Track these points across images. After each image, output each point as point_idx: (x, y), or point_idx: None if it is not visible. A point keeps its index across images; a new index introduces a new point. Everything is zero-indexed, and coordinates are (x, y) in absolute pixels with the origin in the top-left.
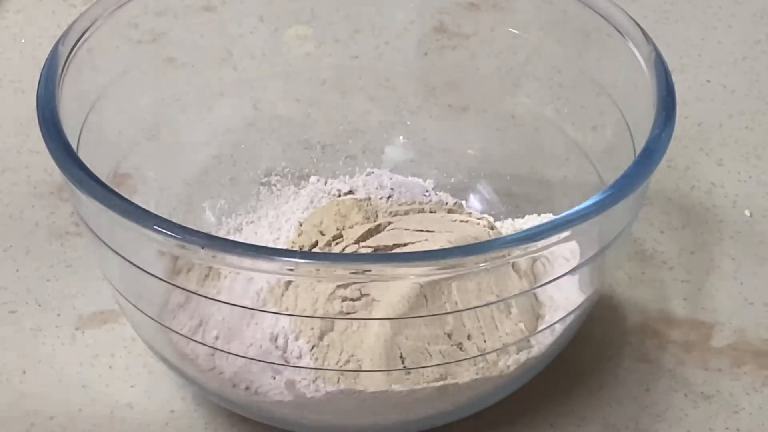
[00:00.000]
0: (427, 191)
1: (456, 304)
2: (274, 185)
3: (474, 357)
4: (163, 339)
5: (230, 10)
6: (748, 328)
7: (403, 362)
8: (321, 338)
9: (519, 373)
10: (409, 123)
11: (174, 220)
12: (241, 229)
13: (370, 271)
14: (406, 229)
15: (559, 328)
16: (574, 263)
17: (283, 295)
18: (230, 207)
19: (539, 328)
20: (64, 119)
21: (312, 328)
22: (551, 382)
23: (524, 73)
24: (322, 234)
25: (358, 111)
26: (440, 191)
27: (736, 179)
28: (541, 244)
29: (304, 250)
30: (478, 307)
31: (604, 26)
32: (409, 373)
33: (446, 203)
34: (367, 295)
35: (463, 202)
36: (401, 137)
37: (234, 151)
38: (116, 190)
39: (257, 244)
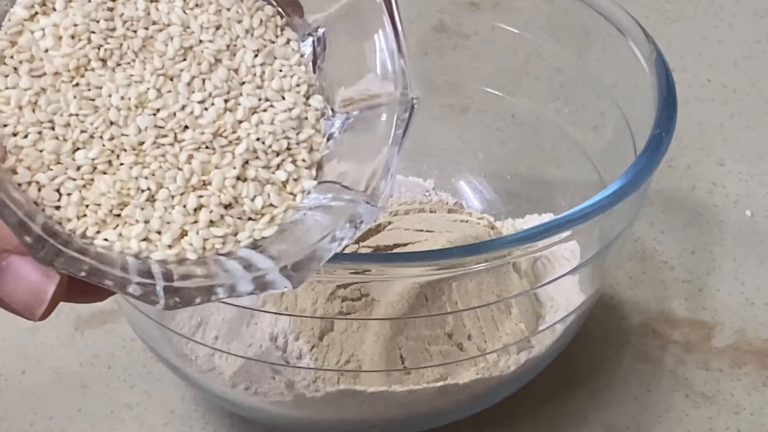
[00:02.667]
0: (427, 191)
1: (456, 304)
2: None
3: (474, 357)
4: (162, 339)
5: None
6: (748, 328)
7: (403, 362)
8: (321, 338)
9: (519, 373)
10: None
11: None
12: None
13: (370, 271)
14: (406, 229)
15: (559, 328)
16: (574, 263)
17: (282, 295)
18: None
19: (540, 329)
20: None
21: (312, 329)
22: (552, 383)
23: (524, 73)
24: None
25: None
26: (440, 191)
27: (737, 179)
28: (541, 244)
29: None
30: (478, 307)
31: (605, 26)
32: (409, 373)
33: (446, 203)
34: (367, 295)
35: (463, 202)
36: None
37: None
38: None
39: None
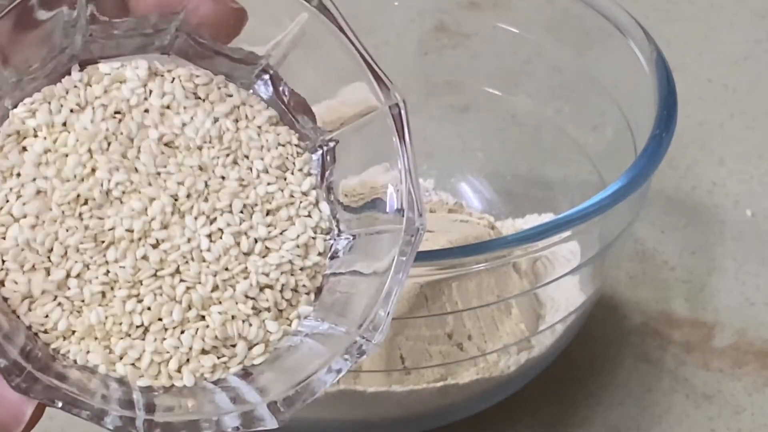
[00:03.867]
0: (427, 191)
1: (456, 304)
2: None
3: (474, 357)
4: None
5: None
6: (749, 328)
7: (403, 362)
8: None
9: (519, 373)
10: None
11: None
12: None
13: None
14: None
15: (559, 329)
16: (574, 263)
17: None
18: None
19: (540, 329)
20: None
21: None
22: (552, 383)
23: (525, 73)
24: None
25: None
26: (440, 191)
27: (738, 179)
28: (541, 244)
29: None
30: (478, 307)
31: (605, 25)
32: (409, 373)
33: (446, 203)
34: None
35: (463, 202)
36: None
37: None
38: None
39: None
